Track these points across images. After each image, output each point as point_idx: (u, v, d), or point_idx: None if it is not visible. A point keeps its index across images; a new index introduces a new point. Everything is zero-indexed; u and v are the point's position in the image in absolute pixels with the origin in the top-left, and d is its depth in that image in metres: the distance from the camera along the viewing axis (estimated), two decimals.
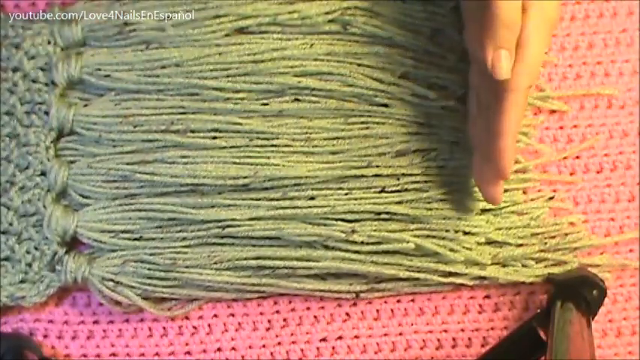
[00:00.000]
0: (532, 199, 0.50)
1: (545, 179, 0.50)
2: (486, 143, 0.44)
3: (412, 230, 0.48)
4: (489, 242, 0.49)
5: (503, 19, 0.39)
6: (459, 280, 0.49)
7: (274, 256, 0.48)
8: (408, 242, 0.47)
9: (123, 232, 0.48)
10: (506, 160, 0.43)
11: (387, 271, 0.48)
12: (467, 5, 0.44)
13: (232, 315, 0.50)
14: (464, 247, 0.48)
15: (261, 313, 0.50)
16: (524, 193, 0.50)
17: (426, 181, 0.49)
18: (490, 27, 0.40)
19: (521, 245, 0.49)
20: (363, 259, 0.48)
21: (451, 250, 0.48)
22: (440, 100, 0.49)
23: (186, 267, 0.48)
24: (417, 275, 0.48)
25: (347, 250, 0.48)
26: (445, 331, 0.50)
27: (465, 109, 0.49)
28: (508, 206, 0.50)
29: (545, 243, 0.49)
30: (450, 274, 0.49)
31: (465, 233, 0.49)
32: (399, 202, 0.48)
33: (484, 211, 0.49)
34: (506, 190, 0.49)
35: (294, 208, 0.48)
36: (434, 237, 0.48)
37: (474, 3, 0.42)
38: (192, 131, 0.48)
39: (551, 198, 0.50)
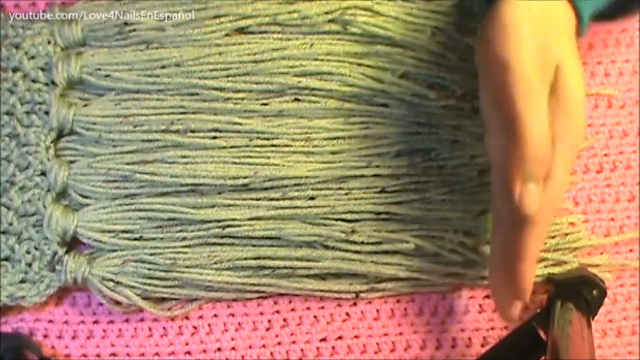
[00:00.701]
0: None
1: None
2: (505, 262, 0.42)
3: (412, 230, 0.48)
4: (489, 242, 0.49)
5: (534, 153, 0.38)
6: (458, 280, 0.49)
7: (274, 256, 0.48)
8: (408, 242, 0.47)
9: (123, 232, 0.48)
10: (525, 285, 0.42)
11: (387, 271, 0.48)
12: (494, 137, 0.41)
13: (232, 315, 0.50)
14: (463, 248, 0.48)
15: (261, 313, 0.50)
16: None
17: (426, 181, 0.49)
18: (519, 160, 0.38)
19: None
20: (363, 259, 0.48)
21: (451, 250, 0.48)
22: (440, 100, 0.49)
23: (187, 267, 0.48)
24: (416, 275, 0.48)
25: (347, 250, 0.48)
26: (445, 331, 0.50)
27: (464, 107, 0.49)
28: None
29: (545, 243, 0.49)
30: (450, 274, 0.49)
31: (465, 234, 0.49)
32: (399, 203, 0.48)
33: (484, 211, 0.49)
34: None
35: (294, 208, 0.48)
36: (434, 237, 0.48)
37: (502, 131, 0.39)
38: (192, 131, 0.48)
39: None
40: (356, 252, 0.48)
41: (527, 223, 0.40)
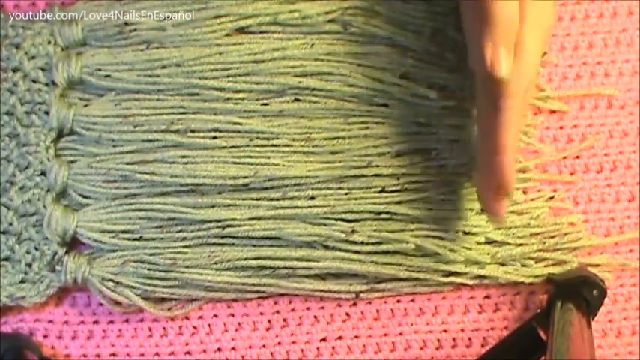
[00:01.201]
0: (532, 199, 0.50)
1: (545, 179, 0.50)
2: (487, 159, 0.43)
3: (412, 230, 0.48)
4: (489, 242, 0.49)
5: (500, 16, 0.39)
6: (458, 280, 0.49)
7: (274, 256, 0.48)
8: (408, 242, 0.47)
9: (123, 232, 0.48)
10: (508, 175, 0.42)
11: (387, 271, 0.48)
12: (465, 8, 0.43)
13: (232, 315, 0.50)
14: (463, 247, 0.48)
15: (261, 313, 0.50)
16: (524, 193, 0.50)
17: (426, 181, 0.49)
18: (488, 25, 0.39)
19: (520, 245, 0.49)
20: (363, 259, 0.48)
21: (451, 250, 0.48)
22: (440, 100, 0.49)
23: (187, 267, 0.48)
24: (416, 275, 0.48)
25: (347, 250, 0.48)
26: (445, 331, 0.50)
27: (465, 107, 0.49)
28: (508, 206, 0.50)
29: (545, 242, 0.49)
30: (450, 273, 0.49)
31: (465, 233, 0.49)
32: (399, 202, 0.48)
33: (484, 210, 0.49)
34: None
35: (294, 208, 0.48)
36: (434, 237, 0.48)
37: (471, 4, 0.41)
38: (193, 131, 0.48)
39: (551, 198, 0.50)
40: (356, 252, 0.48)
41: (503, 96, 0.40)
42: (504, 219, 0.46)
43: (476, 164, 0.45)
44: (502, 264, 0.49)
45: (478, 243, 0.49)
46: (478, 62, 0.41)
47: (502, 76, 0.39)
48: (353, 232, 0.47)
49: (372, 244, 0.47)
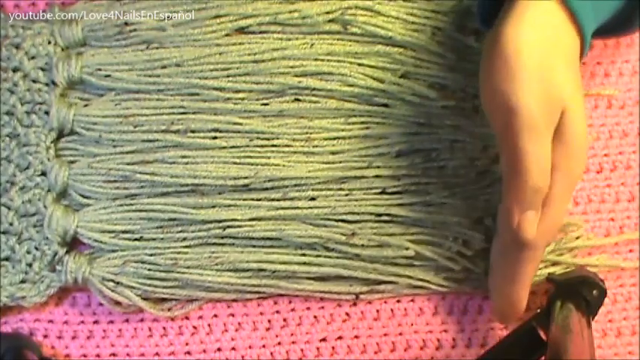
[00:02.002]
0: None
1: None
2: (502, 284, 0.45)
3: (412, 234, 0.48)
4: (486, 252, 0.49)
5: (533, 184, 0.40)
6: (455, 287, 0.49)
7: (275, 260, 0.48)
8: (407, 249, 0.47)
9: (123, 232, 0.48)
10: (518, 305, 0.45)
11: (386, 278, 0.48)
12: (502, 164, 0.42)
13: (232, 315, 0.50)
14: (461, 257, 0.48)
15: (261, 313, 0.50)
16: None
17: (426, 183, 0.48)
18: (519, 190, 0.40)
19: None
20: (364, 265, 0.48)
21: (449, 258, 0.48)
22: (440, 100, 0.49)
23: (187, 267, 0.48)
24: (415, 283, 0.48)
25: (347, 253, 0.48)
26: (445, 331, 0.50)
27: (465, 107, 0.49)
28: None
29: None
30: (448, 279, 0.49)
31: (464, 242, 0.48)
32: (400, 204, 0.48)
33: (482, 215, 0.49)
34: None
35: (294, 208, 0.48)
36: (433, 244, 0.48)
37: (505, 163, 0.41)
38: (193, 131, 0.48)
39: None
40: (356, 255, 0.48)
41: (525, 248, 0.42)
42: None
43: (490, 282, 0.47)
44: None
45: (476, 250, 0.48)
46: (506, 219, 0.41)
47: (527, 239, 0.41)
48: (353, 234, 0.47)
49: (372, 247, 0.47)
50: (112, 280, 0.48)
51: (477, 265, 0.48)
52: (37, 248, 0.48)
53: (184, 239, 0.48)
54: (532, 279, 0.45)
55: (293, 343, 0.50)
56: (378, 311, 0.50)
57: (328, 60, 0.49)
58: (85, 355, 0.49)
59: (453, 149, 0.49)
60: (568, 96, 0.40)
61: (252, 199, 0.48)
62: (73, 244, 0.49)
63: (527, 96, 0.39)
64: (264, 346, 0.49)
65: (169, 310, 0.49)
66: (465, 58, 0.49)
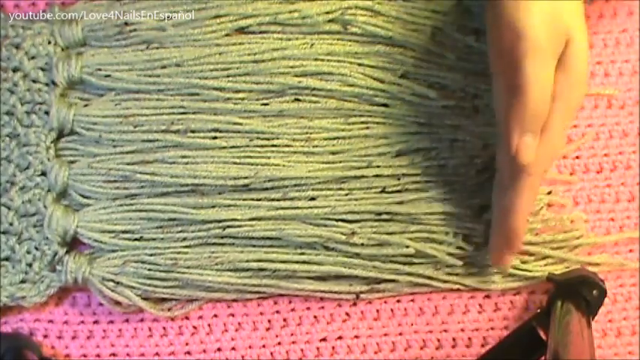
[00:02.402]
0: None
1: (545, 178, 0.50)
2: (501, 216, 0.45)
3: (412, 232, 0.48)
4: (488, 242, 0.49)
5: (533, 108, 0.40)
6: (456, 286, 0.49)
7: (275, 259, 0.48)
8: (408, 247, 0.47)
9: (123, 232, 0.48)
10: (515, 237, 0.45)
11: (386, 276, 0.48)
12: (498, 87, 0.44)
13: (232, 315, 0.50)
14: (462, 252, 0.48)
15: (261, 313, 0.50)
16: None
17: (426, 181, 0.49)
18: (519, 113, 0.41)
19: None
20: (364, 263, 0.48)
21: (450, 254, 0.48)
22: (440, 100, 0.49)
23: (187, 267, 0.48)
24: (416, 280, 0.48)
25: (347, 252, 0.48)
26: (445, 331, 0.50)
27: (465, 106, 0.49)
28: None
29: (544, 239, 0.49)
30: (449, 275, 0.49)
31: (464, 237, 0.49)
32: (400, 203, 0.48)
33: (483, 207, 0.49)
34: None
35: (294, 208, 0.48)
36: (433, 240, 0.48)
37: (505, 87, 0.42)
38: (193, 131, 0.48)
39: (549, 192, 0.50)
40: (356, 254, 0.48)
41: (523, 174, 0.42)
42: (508, 268, 0.49)
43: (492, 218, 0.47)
44: (500, 273, 0.49)
45: (477, 244, 0.49)
46: (505, 142, 0.42)
47: (526, 162, 0.41)
48: (353, 233, 0.47)
49: (372, 246, 0.47)
50: (112, 280, 0.48)
51: (477, 261, 0.48)
52: (37, 248, 0.48)
53: (184, 239, 0.48)
54: (530, 209, 0.45)
55: (293, 343, 0.50)
56: (378, 311, 0.50)
57: (328, 60, 0.49)
58: (85, 355, 0.49)
59: (453, 148, 0.49)
60: (573, 27, 0.41)
61: (252, 199, 0.48)
62: (73, 244, 0.49)
63: (536, 22, 0.40)
64: (264, 346, 0.49)
65: (169, 310, 0.49)
66: (465, 57, 0.49)
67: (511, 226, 0.44)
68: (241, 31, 0.49)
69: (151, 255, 0.48)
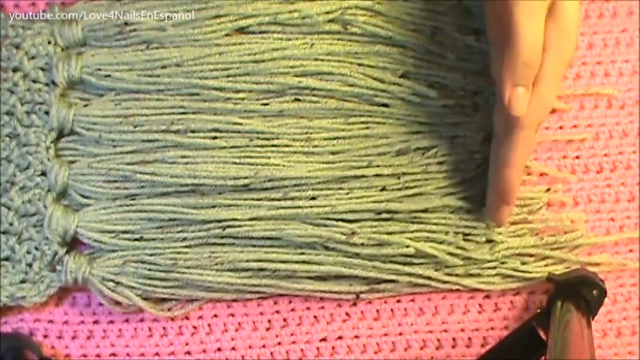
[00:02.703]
0: (530, 191, 0.50)
1: (545, 176, 0.51)
2: (496, 171, 0.45)
3: (412, 232, 0.48)
4: (489, 241, 0.49)
5: (524, 58, 0.40)
6: (456, 286, 0.49)
7: (275, 259, 0.48)
8: (407, 247, 0.47)
9: (123, 232, 0.48)
10: (510, 190, 0.45)
11: (386, 276, 0.48)
12: (493, 41, 0.45)
13: (232, 315, 0.50)
14: (463, 251, 0.48)
15: (261, 313, 0.50)
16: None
17: (426, 179, 0.49)
18: (510, 64, 0.41)
19: (520, 243, 0.49)
20: (364, 263, 0.48)
21: (450, 254, 0.48)
22: (440, 99, 0.49)
23: (187, 267, 0.48)
24: (416, 281, 0.48)
25: (347, 252, 0.48)
26: (445, 331, 0.50)
27: (465, 104, 0.49)
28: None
29: (543, 239, 0.49)
30: (449, 275, 0.49)
31: (465, 236, 0.49)
32: (400, 202, 0.48)
33: (482, 206, 0.49)
34: None
35: (294, 208, 0.48)
36: (433, 240, 0.48)
37: (498, 40, 0.43)
38: (193, 131, 0.48)
39: (547, 190, 0.50)
40: (356, 254, 0.48)
41: (516, 127, 0.43)
42: (505, 225, 0.48)
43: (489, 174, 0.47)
44: (500, 273, 0.49)
45: (478, 243, 0.49)
46: (498, 95, 0.42)
47: (518, 114, 0.41)
48: (353, 233, 0.47)
49: (372, 246, 0.47)
50: (112, 280, 0.48)
51: (478, 260, 0.48)
52: (37, 248, 0.48)
53: (184, 239, 0.48)
54: (525, 163, 0.46)
55: (293, 343, 0.50)
56: (378, 311, 0.50)
57: (328, 60, 0.49)
58: (85, 355, 0.49)
59: (452, 145, 0.49)
60: None
61: (252, 199, 0.48)
62: (73, 244, 0.49)
63: None
64: (264, 346, 0.49)
65: (169, 310, 0.49)
66: (465, 57, 0.50)
67: (506, 180, 0.45)
68: (241, 31, 0.49)
69: (151, 255, 0.48)
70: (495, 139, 0.46)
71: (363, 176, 0.48)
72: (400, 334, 0.50)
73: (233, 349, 0.50)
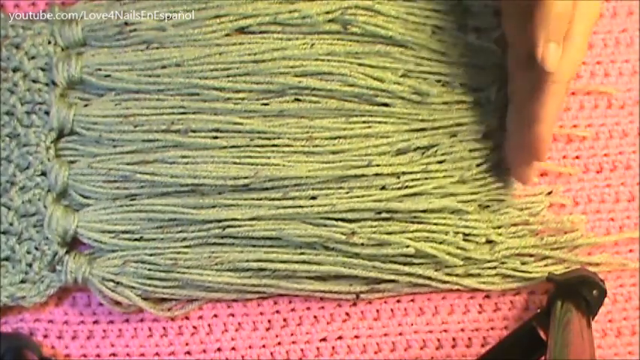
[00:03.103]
0: (532, 194, 0.50)
1: (545, 172, 0.51)
2: (522, 129, 0.46)
3: (412, 232, 0.48)
4: (489, 242, 0.49)
5: (557, 9, 0.41)
6: (456, 286, 0.49)
7: (275, 259, 0.48)
8: (407, 247, 0.47)
9: (123, 232, 0.48)
10: (543, 145, 0.45)
11: (386, 277, 0.48)
12: (512, 15, 0.45)
13: (232, 315, 0.50)
14: (463, 251, 0.48)
15: (261, 313, 0.50)
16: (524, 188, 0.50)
17: (426, 178, 0.49)
18: (543, 19, 0.41)
19: (520, 243, 0.49)
20: (364, 263, 0.48)
21: (450, 254, 0.48)
22: (441, 98, 0.49)
23: (187, 267, 0.48)
24: (416, 281, 0.48)
25: (347, 252, 0.48)
26: (445, 331, 0.50)
27: (466, 101, 0.49)
28: (506, 201, 0.50)
29: (543, 240, 0.49)
30: (449, 275, 0.49)
31: (465, 236, 0.49)
32: (400, 201, 0.48)
33: (481, 206, 0.49)
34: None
35: (294, 208, 0.48)
36: (433, 240, 0.48)
37: (523, 5, 0.43)
38: (193, 131, 0.48)
39: (549, 193, 0.50)
40: (356, 254, 0.48)
41: (548, 82, 0.43)
42: (532, 182, 0.49)
43: (507, 133, 0.48)
44: (503, 276, 0.49)
45: (478, 243, 0.49)
46: (522, 53, 0.43)
47: (551, 69, 0.42)
48: (353, 233, 0.47)
49: (372, 246, 0.47)
50: (112, 280, 0.48)
51: (478, 260, 0.48)
52: (37, 248, 0.48)
53: (184, 239, 0.48)
54: (556, 119, 0.46)
55: (293, 343, 0.50)
56: (378, 311, 0.50)
57: (328, 60, 0.49)
58: (85, 355, 0.49)
59: (452, 144, 0.49)
60: None
61: (253, 199, 0.48)
62: (73, 244, 0.49)
63: None
64: (264, 346, 0.49)
65: (169, 310, 0.49)
66: (466, 55, 0.50)
67: (538, 136, 0.45)
68: (241, 31, 0.49)
69: (151, 255, 0.48)
70: (518, 97, 0.47)
71: (363, 175, 0.48)
72: (400, 334, 0.50)
73: (233, 349, 0.50)
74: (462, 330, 0.50)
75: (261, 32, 0.49)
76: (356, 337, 0.50)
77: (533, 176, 0.48)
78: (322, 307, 0.50)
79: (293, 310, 0.50)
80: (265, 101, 0.49)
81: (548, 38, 0.42)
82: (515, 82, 0.47)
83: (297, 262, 0.48)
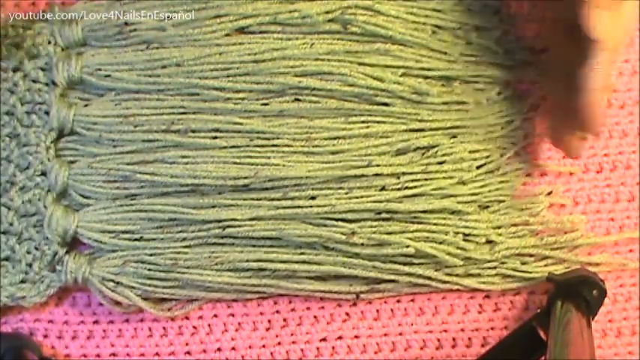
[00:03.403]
0: (532, 195, 0.50)
1: (545, 172, 0.51)
2: (570, 100, 0.45)
3: (412, 232, 0.48)
4: (489, 242, 0.49)
5: None
6: (456, 286, 0.49)
7: (275, 259, 0.48)
8: (407, 247, 0.47)
9: (123, 232, 0.48)
10: (595, 114, 0.44)
11: (386, 277, 0.48)
12: None
13: (232, 315, 0.50)
14: (463, 251, 0.48)
15: (261, 313, 0.50)
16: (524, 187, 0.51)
17: (426, 179, 0.49)
18: None
19: (520, 243, 0.49)
20: (364, 263, 0.48)
21: (450, 254, 0.48)
22: (441, 97, 0.49)
23: (187, 267, 0.48)
24: (416, 281, 0.48)
25: (347, 252, 0.48)
26: (445, 331, 0.50)
27: (466, 101, 0.49)
28: (506, 201, 0.50)
29: (543, 240, 0.49)
30: (450, 276, 0.49)
31: (465, 237, 0.49)
32: (400, 201, 0.48)
33: (481, 207, 0.49)
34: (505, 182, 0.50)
35: (294, 208, 0.48)
36: (433, 240, 0.48)
37: None
38: (193, 131, 0.48)
39: (549, 193, 0.50)
40: (356, 254, 0.48)
41: (597, 49, 0.43)
42: (581, 155, 0.49)
43: (552, 107, 0.48)
44: (503, 276, 0.49)
45: (478, 243, 0.49)
46: (571, 21, 0.43)
47: (600, 37, 0.42)
48: (353, 233, 0.47)
49: (372, 246, 0.47)
50: (112, 280, 0.48)
51: (478, 260, 0.48)
52: (37, 248, 0.48)
53: (184, 239, 0.48)
54: (608, 87, 0.45)
55: (293, 343, 0.50)
56: (378, 311, 0.50)
57: (328, 60, 0.49)
58: (85, 355, 0.49)
59: (453, 144, 0.49)
60: None
61: (252, 199, 0.48)
62: (73, 244, 0.49)
63: None
64: (264, 346, 0.49)
65: (169, 310, 0.49)
66: (467, 54, 0.50)
67: (588, 104, 0.44)
68: (241, 31, 0.49)
69: (151, 255, 0.48)
70: (563, 67, 0.46)
71: (362, 176, 0.48)
72: (400, 334, 0.50)
73: (233, 349, 0.50)
74: (462, 330, 0.50)
75: (261, 32, 0.49)
76: (356, 337, 0.50)
77: (582, 149, 0.47)
78: (322, 307, 0.50)
79: (293, 310, 0.50)
80: (265, 101, 0.49)
81: (597, 5, 0.41)
82: (560, 52, 0.46)
83: (297, 262, 0.48)
